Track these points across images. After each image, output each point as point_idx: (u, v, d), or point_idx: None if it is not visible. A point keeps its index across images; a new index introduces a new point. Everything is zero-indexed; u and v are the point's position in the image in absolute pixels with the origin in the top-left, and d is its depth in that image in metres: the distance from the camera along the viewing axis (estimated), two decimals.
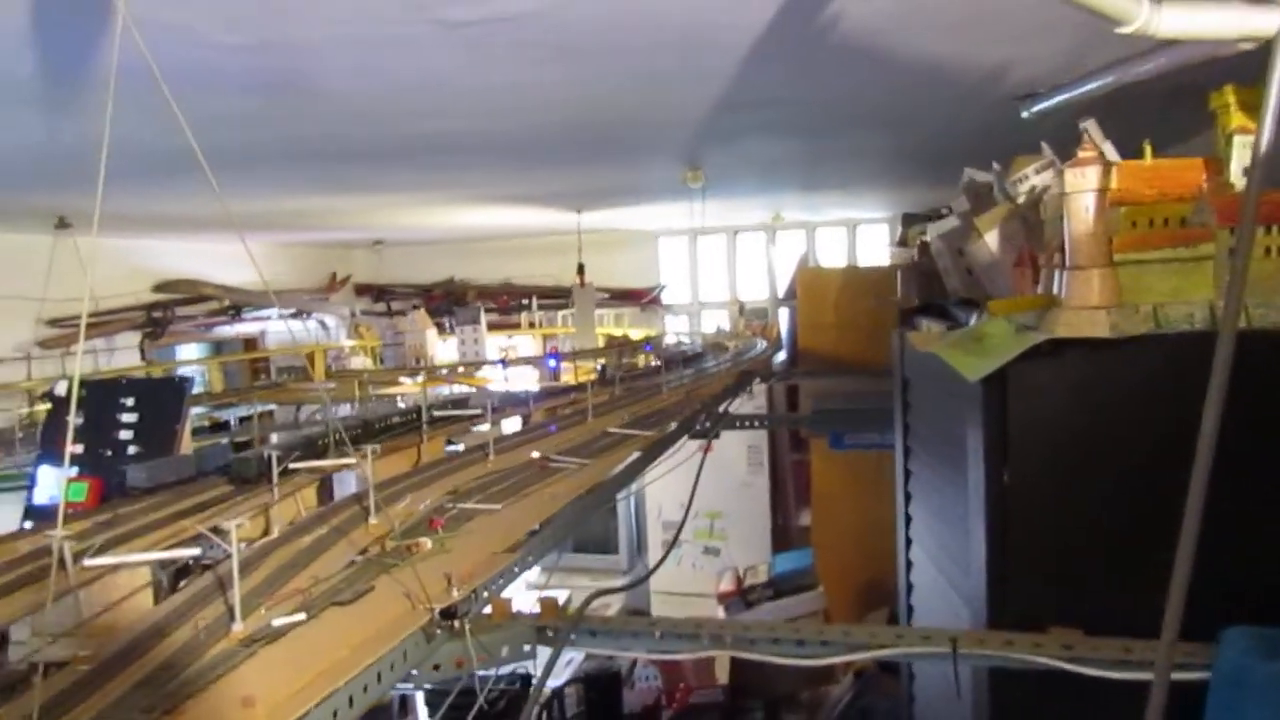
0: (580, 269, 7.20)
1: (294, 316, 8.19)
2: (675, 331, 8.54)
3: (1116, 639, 1.68)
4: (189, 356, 7.71)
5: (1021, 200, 2.73)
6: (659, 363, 5.00)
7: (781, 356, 6.83)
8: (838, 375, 5.91)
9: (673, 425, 3.79)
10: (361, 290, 9.34)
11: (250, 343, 8.03)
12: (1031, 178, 2.77)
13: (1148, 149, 2.06)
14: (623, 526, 8.04)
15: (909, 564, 2.76)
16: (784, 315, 8.22)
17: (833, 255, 8.72)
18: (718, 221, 7.68)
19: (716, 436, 4.47)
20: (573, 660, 5.50)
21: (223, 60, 2.33)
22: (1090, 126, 2.41)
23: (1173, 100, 2.74)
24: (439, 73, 2.57)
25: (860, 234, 8.72)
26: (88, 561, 1.37)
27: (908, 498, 2.78)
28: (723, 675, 5.32)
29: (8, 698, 1.42)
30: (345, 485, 2.96)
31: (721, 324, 8.21)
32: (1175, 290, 1.77)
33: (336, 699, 1.45)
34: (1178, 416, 1.41)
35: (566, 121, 3.50)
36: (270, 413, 6.89)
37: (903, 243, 7.13)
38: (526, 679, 4.32)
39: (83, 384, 3.08)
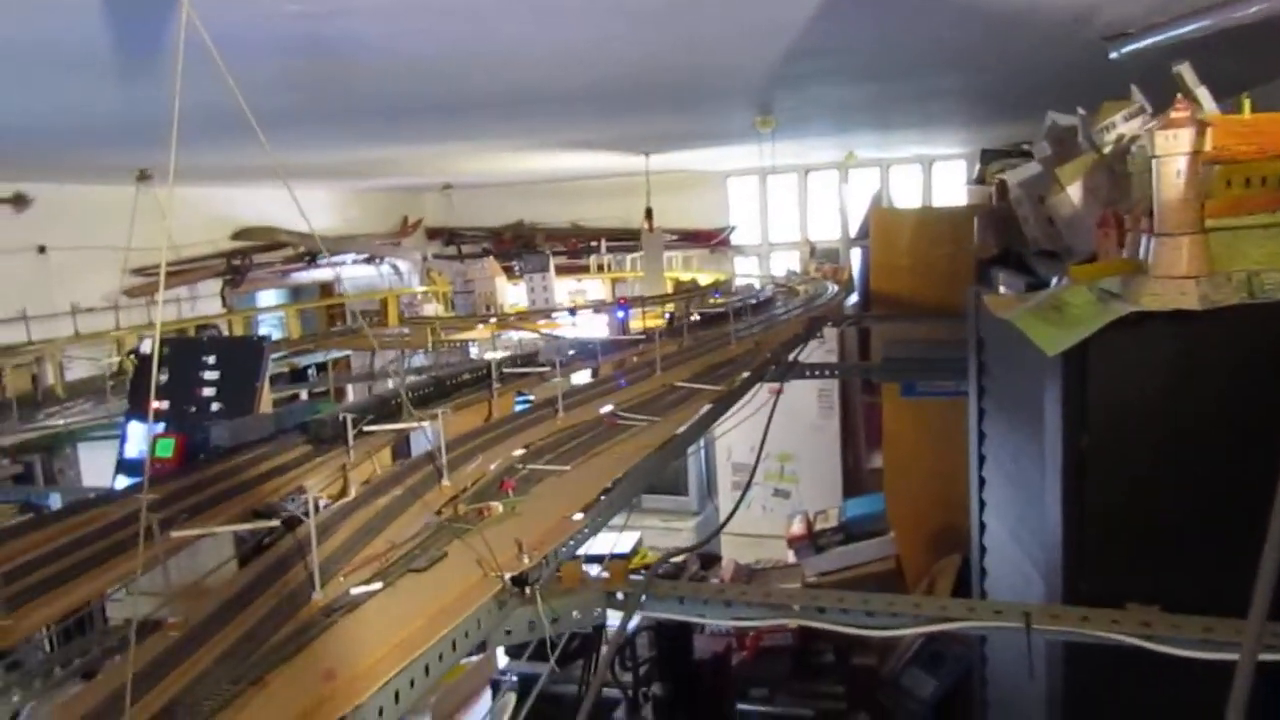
0: (648, 213, 7.13)
1: (367, 262, 8.31)
2: (744, 274, 8.44)
3: (1197, 617, 1.63)
4: (267, 303, 7.89)
5: (1108, 150, 2.61)
6: (728, 308, 4.96)
7: (853, 299, 6.71)
8: (911, 320, 5.79)
9: (742, 377, 3.78)
10: (432, 234, 9.41)
11: (326, 288, 8.19)
12: (1119, 125, 2.64)
13: (1246, 103, 1.94)
14: (692, 468, 8.09)
15: (983, 526, 2.72)
16: (856, 256, 8.07)
17: (907, 194, 8.49)
18: (788, 161, 7.52)
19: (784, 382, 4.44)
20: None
21: (291, 28, 2.33)
22: (1184, 71, 2.28)
23: (1274, 39, 2.57)
24: (509, 35, 2.54)
25: (936, 171, 8.46)
26: (174, 533, 1.42)
27: (981, 459, 2.73)
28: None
29: (101, 665, 1.50)
30: (420, 439, 3.02)
31: (791, 265, 8.09)
32: (1272, 256, 1.68)
33: (413, 669, 1.50)
34: (1270, 389, 1.35)
35: (637, 75, 3.44)
36: (346, 358, 7.04)
37: (980, 180, 6.91)
38: (599, 624, 4.42)
39: (165, 342, 3.18)
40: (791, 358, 4.51)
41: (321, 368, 6.21)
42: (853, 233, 8.11)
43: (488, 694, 5.73)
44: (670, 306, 5.77)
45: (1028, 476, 2.07)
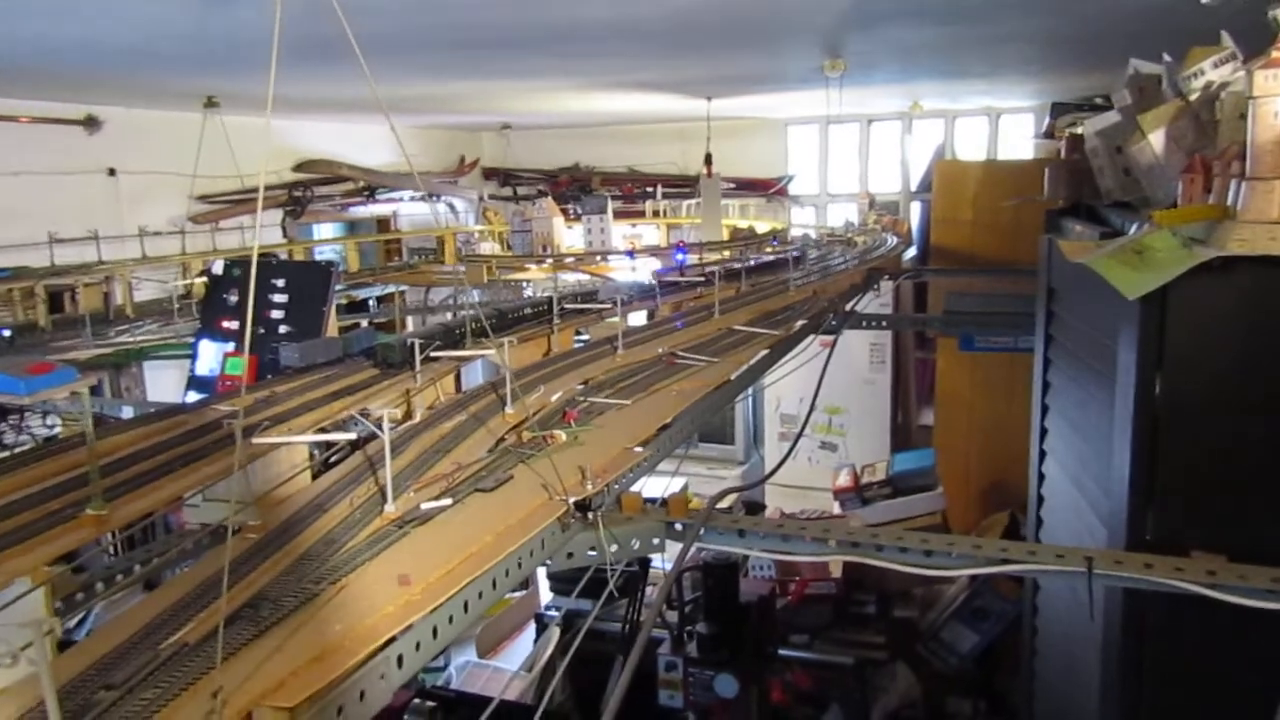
0: (708, 158, 7.07)
1: (425, 199, 8.36)
2: (801, 224, 8.35)
3: (1265, 568, 1.62)
4: (324, 236, 7.98)
5: (1194, 97, 2.53)
6: (786, 256, 4.92)
7: (911, 252, 6.62)
8: (971, 274, 5.71)
9: (799, 324, 3.76)
10: (489, 174, 9.42)
11: (384, 223, 8.26)
12: (1208, 72, 2.55)
13: None
14: (740, 417, 8.10)
15: (1041, 477, 2.71)
16: (916, 209, 7.94)
17: (972, 148, 8.30)
18: (849, 110, 7.38)
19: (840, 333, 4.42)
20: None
21: None
22: None
23: None
24: None
25: (1003, 124, 8.25)
26: (256, 439, 1.46)
27: (1044, 409, 2.70)
28: (837, 569, 5.39)
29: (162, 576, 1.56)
30: (474, 372, 3.07)
31: (850, 216, 7.99)
32: None
33: (482, 582, 1.54)
34: None
35: (706, 7, 3.39)
36: (402, 293, 7.13)
37: (1049, 134, 6.74)
38: (645, 560, 4.47)
39: (236, 264, 3.25)
40: (849, 307, 4.48)
41: (381, 300, 6.30)
42: (914, 185, 7.97)
43: (531, 629, 5.87)
44: (728, 252, 5.74)
45: (1095, 425, 2.05)
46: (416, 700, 4.02)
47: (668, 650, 3.87)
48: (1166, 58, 2.84)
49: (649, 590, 4.79)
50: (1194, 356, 1.72)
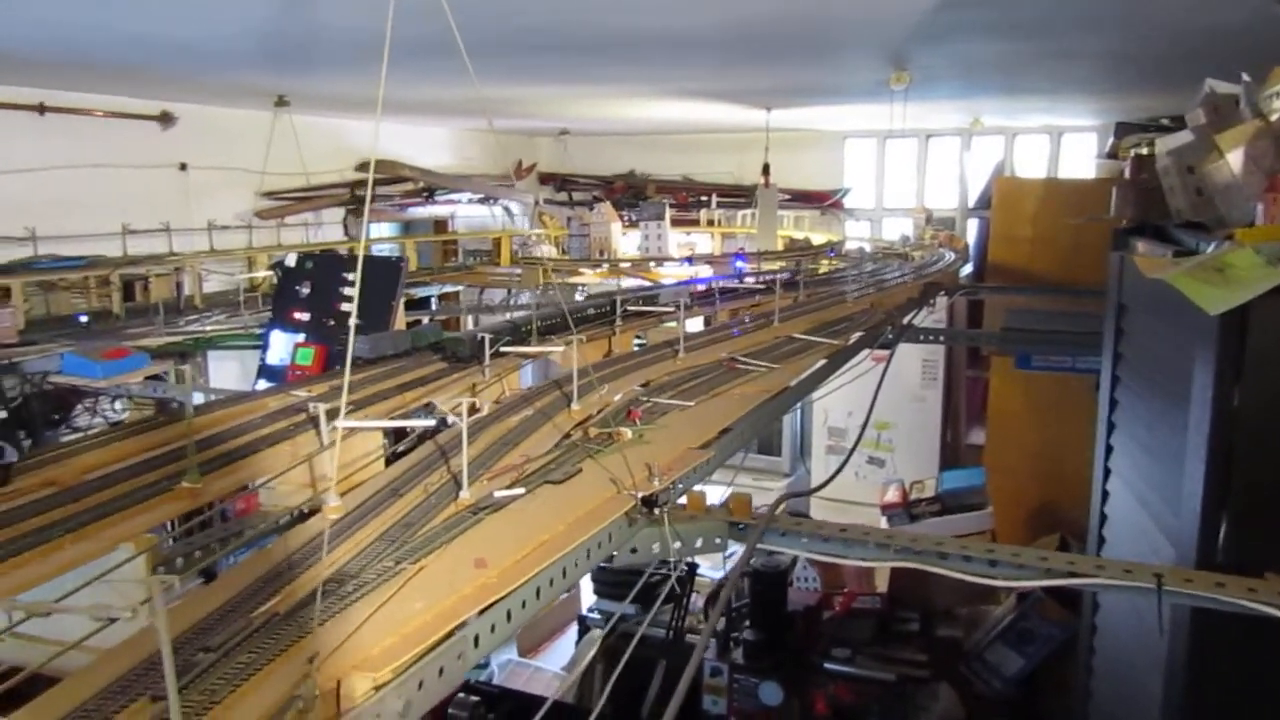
0: (765, 168, 7.08)
1: (481, 202, 8.46)
2: (856, 237, 8.32)
3: None
4: (381, 235, 8.10)
5: (1275, 118, 2.50)
6: (843, 268, 4.93)
7: (968, 269, 6.58)
8: (1030, 292, 5.65)
9: (856, 335, 3.77)
10: (545, 179, 9.51)
11: (440, 225, 8.37)
12: None
13: None
14: (787, 429, 8.08)
15: (1105, 494, 2.68)
16: (973, 226, 7.88)
17: (1031, 165, 8.23)
18: (910, 124, 7.36)
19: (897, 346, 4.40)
20: (733, 553, 5.66)
21: None
22: None
23: None
24: None
25: (1064, 143, 8.16)
26: (339, 423, 1.51)
27: (1111, 427, 2.68)
28: (881, 584, 5.36)
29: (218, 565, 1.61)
30: (544, 366, 3.11)
31: (905, 231, 7.95)
32: None
33: (553, 570, 1.58)
34: None
35: (770, 17, 3.41)
36: (456, 294, 7.22)
37: (1112, 154, 6.66)
38: (692, 566, 4.49)
39: (308, 257, 3.33)
40: (906, 321, 4.47)
41: (441, 298, 6.40)
42: (971, 202, 7.91)
43: (572, 630, 5.91)
44: (784, 263, 5.75)
45: (1165, 443, 2.03)
46: (461, 694, 4.07)
47: (713, 655, 3.89)
48: (1245, 78, 2.80)
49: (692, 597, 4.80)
50: (1273, 374, 1.70)
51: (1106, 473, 2.64)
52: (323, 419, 1.63)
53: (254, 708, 1.08)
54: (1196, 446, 1.80)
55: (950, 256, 5.95)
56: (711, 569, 5.76)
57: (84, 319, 4.26)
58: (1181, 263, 1.99)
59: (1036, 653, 4.85)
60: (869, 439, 7.53)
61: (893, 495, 6.23)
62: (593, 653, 5.28)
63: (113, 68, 4.70)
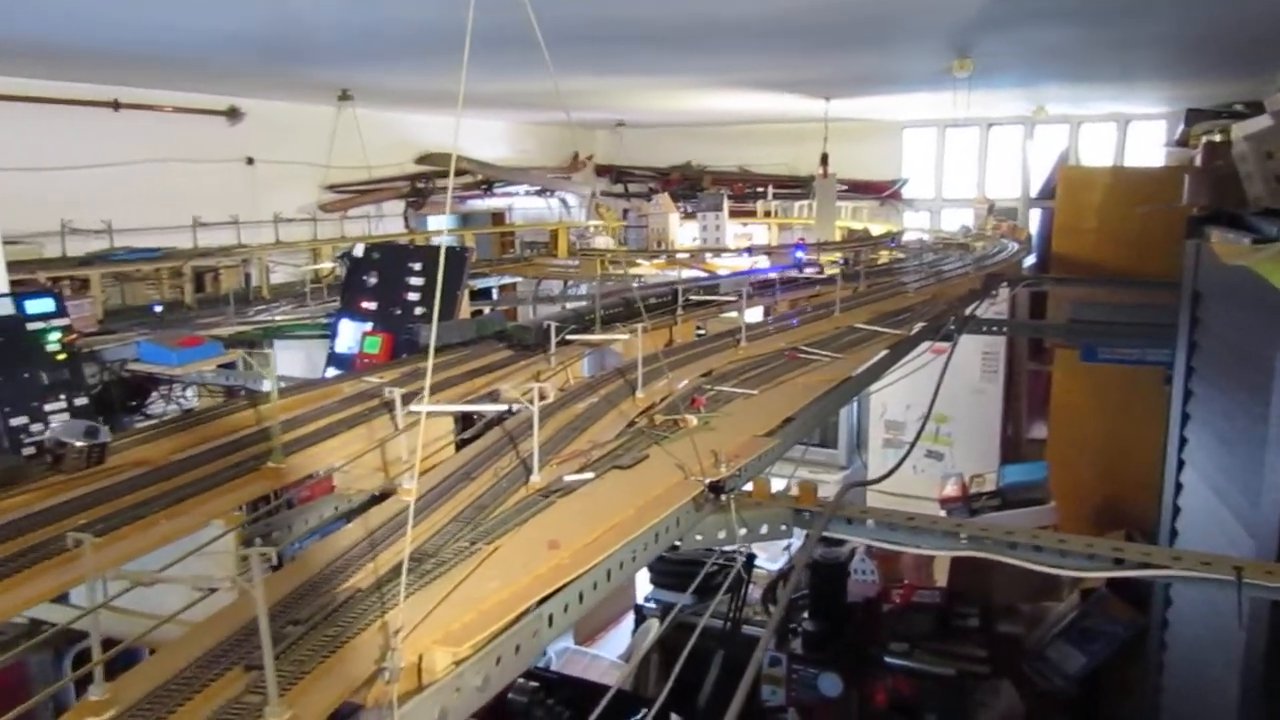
0: (824, 158, 7.03)
1: (538, 194, 8.51)
2: (915, 228, 8.22)
3: None
4: (439, 228, 8.20)
5: None
6: (902, 259, 4.88)
7: (1031, 260, 6.46)
8: (1096, 284, 5.54)
9: (919, 325, 3.73)
10: (601, 171, 9.54)
11: (498, 217, 8.45)
12: None
13: None
14: (843, 422, 8.03)
15: (1178, 487, 2.63)
16: (1035, 216, 7.74)
17: (1096, 154, 8.05)
18: (971, 113, 7.24)
19: (958, 338, 4.35)
20: (790, 545, 5.64)
21: None
22: None
23: None
24: None
25: (1131, 131, 7.97)
26: (423, 407, 1.54)
27: (1185, 419, 2.62)
28: (941, 578, 5.30)
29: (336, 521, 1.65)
30: (605, 355, 3.14)
31: (965, 222, 7.83)
32: None
33: (623, 553, 1.60)
34: None
35: (832, 4, 3.38)
36: (513, 285, 7.29)
37: (1182, 142, 6.49)
38: (751, 557, 4.49)
39: (375, 247, 3.39)
40: (968, 312, 4.41)
41: (502, 288, 6.47)
42: (1034, 192, 7.76)
43: (628, 620, 5.94)
44: (844, 253, 5.71)
45: (1244, 434, 1.99)
46: (521, 679, 4.13)
47: (771, 645, 3.89)
48: None
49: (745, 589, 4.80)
50: None
51: (1180, 465, 2.58)
52: (399, 404, 1.67)
53: (342, 678, 1.12)
54: (1278, 436, 1.76)
55: (1013, 247, 5.85)
56: (768, 560, 5.75)
57: (158, 309, 4.39)
58: (1263, 249, 1.95)
59: (1100, 651, 4.77)
60: (928, 432, 7.44)
61: (952, 489, 6.16)
62: (649, 641, 5.31)
63: (182, 64, 4.82)
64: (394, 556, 1.45)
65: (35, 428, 2.84)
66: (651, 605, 5.53)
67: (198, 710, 1.04)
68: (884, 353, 3.29)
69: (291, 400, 2.01)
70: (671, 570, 4.97)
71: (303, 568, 1.38)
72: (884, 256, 5.86)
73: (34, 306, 2.99)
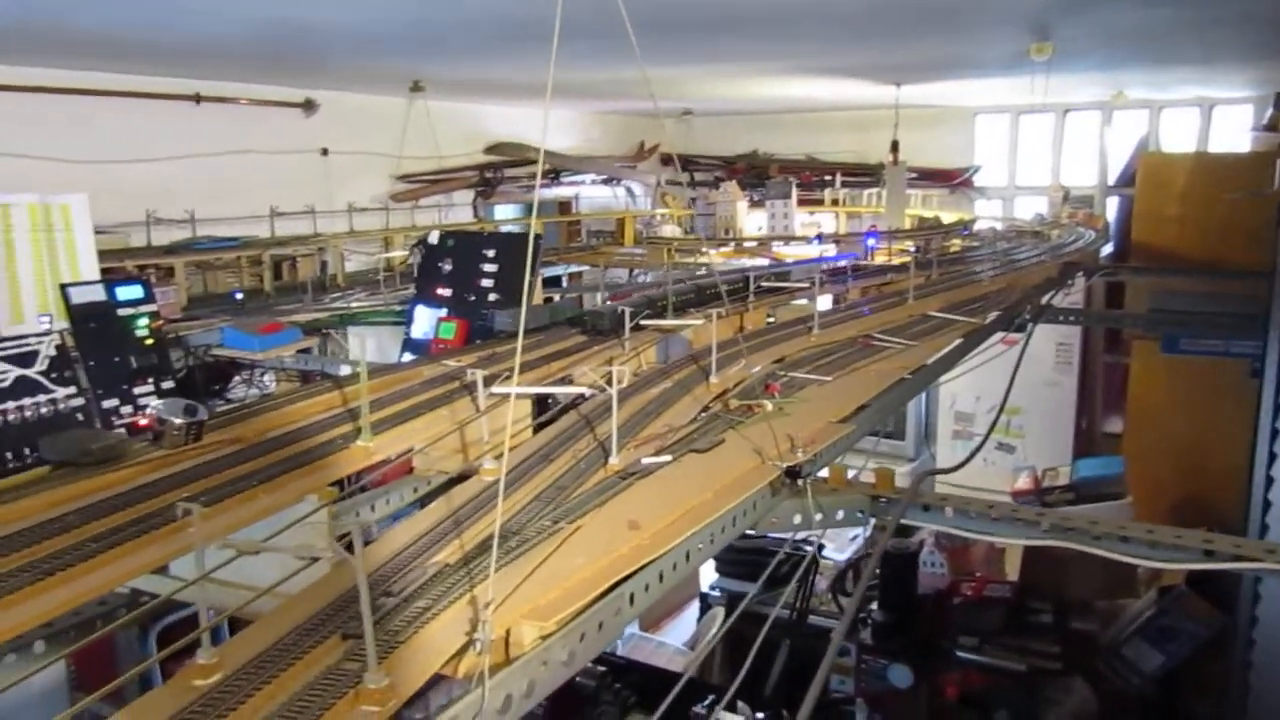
0: (894, 145, 6.93)
1: (604, 183, 8.54)
2: (986, 216, 8.07)
3: None
4: (506, 217, 8.28)
5: None
6: (975, 247, 4.79)
7: (1108, 249, 6.30)
8: (1176, 273, 5.38)
9: (993, 314, 3.67)
10: (666, 160, 9.54)
11: (564, 206, 8.50)
12: None
13: None
14: (911, 414, 7.92)
15: (1269, 481, 2.55)
16: (1113, 204, 7.54)
17: (1178, 139, 7.80)
18: (1047, 99, 7.08)
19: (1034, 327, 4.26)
20: (857, 536, 5.60)
21: None
22: None
23: None
24: None
25: (1216, 116, 7.70)
26: (496, 389, 1.57)
27: (1277, 410, 2.54)
28: (1012, 572, 5.21)
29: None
30: (676, 342, 3.14)
31: (1039, 210, 7.66)
32: None
33: (702, 535, 1.61)
34: None
35: None
36: (579, 274, 7.33)
37: (1270, 126, 6.26)
38: (819, 547, 4.46)
39: (450, 234, 3.44)
40: (1044, 301, 4.33)
41: (570, 276, 6.52)
42: (1111, 179, 7.56)
43: (692, 607, 5.95)
44: (915, 241, 5.63)
45: None
46: (588, 664, 4.16)
47: (841, 635, 3.86)
48: None
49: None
50: None
51: (1271, 458, 2.50)
52: (481, 386, 1.70)
53: (435, 648, 1.15)
54: None
55: (1089, 235, 5.71)
56: (835, 550, 5.72)
57: (239, 296, 4.52)
58: None
59: (1178, 650, 4.64)
60: (999, 425, 7.31)
61: (1024, 482, 6.05)
62: (719, 631, 5.32)
63: (260, 57, 4.94)
64: (478, 534, 1.49)
65: (125, 410, 2.95)
66: (716, 593, 5.53)
67: (299, 675, 1.08)
68: (958, 341, 3.24)
69: (375, 383, 2.05)
70: (737, 559, 4.97)
71: (392, 543, 1.42)
72: (955, 245, 5.76)
73: (124, 293, 3.11)
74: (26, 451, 2.71)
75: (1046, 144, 8.25)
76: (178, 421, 1.63)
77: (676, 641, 5.78)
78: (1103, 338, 7.18)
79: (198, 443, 1.66)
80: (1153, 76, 6.65)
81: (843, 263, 4.12)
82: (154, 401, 1.78)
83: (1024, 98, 6.34)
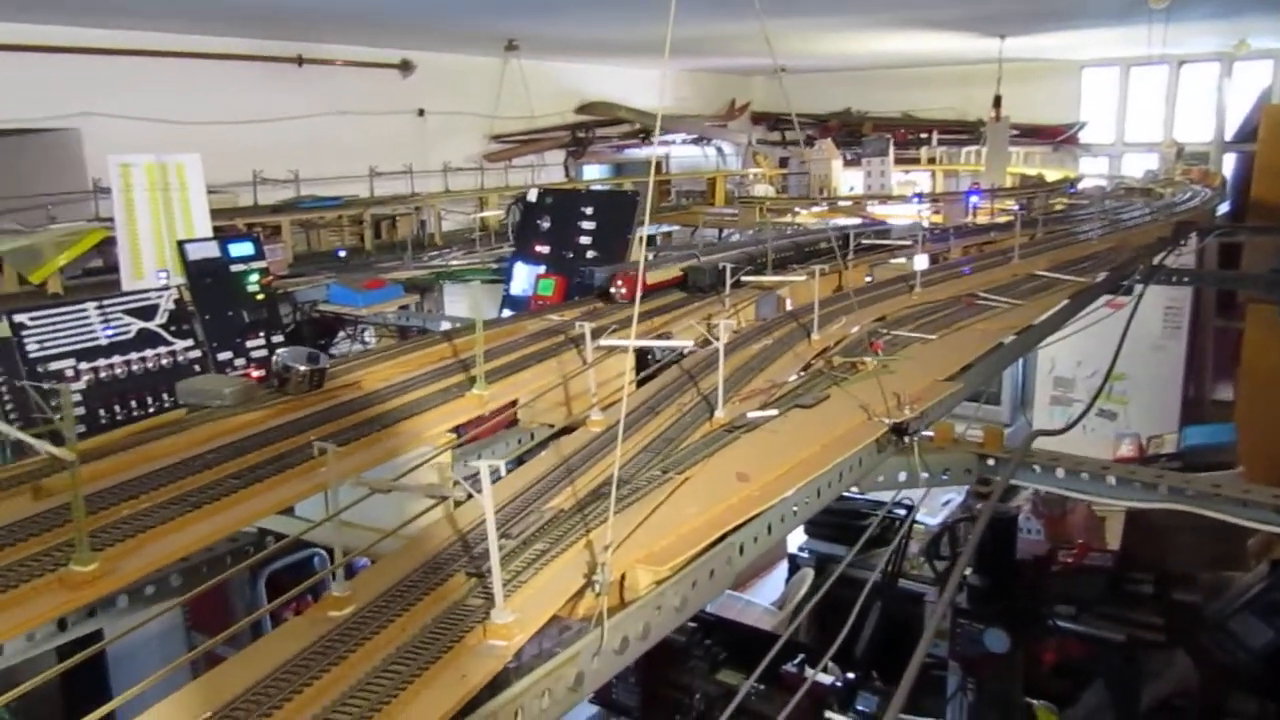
0: (997, 100, 6.71)
1: (695, 142, 8.48)
2: (1092, 174, 7.76)
3: None
4: (592, 177, 8.28)
5: None
6: (1083, 204, 4.63)
7: (1224, 208, 6.01)
8: None
9: (1102, 274, 3.55)
10: (758, 119, 9.40)
11: (655, 166, 8.46)
12: None
13: None
14: (1007, 379, 7.72)
15: None
16: (1230, 161, 7.18)
17: None
18: (1162, 49, 6.75)
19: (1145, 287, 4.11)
20: (950, 501, 5.52)
21: None
22: None
23: None
24: None
25: None
26: (602, 341, 1.58)
27: None
28: (1112, 541, 5.08)
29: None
30: (771, 300, 3.12)
31: (1150, 167, 7.34)
32: None
33: (809, 489, 1.61)
34: None
35: None
36: (669, 234, 7.30)
37: None
38: (909, 509, 4.41)
39: (548, 193, 3.46)
40: (1156, 261, 4.16)
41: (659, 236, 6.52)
42: (1229, 134, 7.19)
43: (781, 568, 5.96)
44: (1017, 199, 5.45)
45: None
46: None
47: (933, 597, 3.82)
48: None
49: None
50: None
51: None
52: (588, 338, 1.72)
53: (555, 589, 1.18)
54: None
55: (1205, 193, 5.46)
56: (928, 515, 5.64)
57: (342, 254, 4.64)
58: None
59: None
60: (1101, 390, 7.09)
61: (1127, 450, 5.88)
62: (803, 591, 5.33)
63: (359, 18, 5.02)
64: (590, 482, 1.51)
65: (238, 362, 3.07)
66: (805, 555, 5.53)
67: (428, 610, 1.12)
68: (1065, 302, 3.15)
69: (487, 333, 2.09)
70: (827, 521, 4.95)
71: (507, 489, 1.46)
72: (1060, 204, 5.56)
73: (237, 250, 3.22)
74: (149, 400, 2.86)
75: (1158, 98, 7.88)
76: (302, 368, 1.70)
77: (764, 601, 5.80)
78: (1214, 301, 6.87)
79: (319, 389, 1.73)
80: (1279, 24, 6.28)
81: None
82: (279, 350, 1.84)
83: (1136, 49, 6.04)
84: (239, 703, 0.93)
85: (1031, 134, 8.09)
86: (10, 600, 1.07)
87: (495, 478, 1.09)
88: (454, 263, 4.48)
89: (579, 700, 1.15)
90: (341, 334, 4.01)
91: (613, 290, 2.56)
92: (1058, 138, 8.03)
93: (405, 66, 6.26)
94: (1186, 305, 6.76)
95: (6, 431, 1.15)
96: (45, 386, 2.25)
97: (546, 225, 3.26)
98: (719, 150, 8.72)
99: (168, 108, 4.97)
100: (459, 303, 5.54)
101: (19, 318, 2.52)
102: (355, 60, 6.05)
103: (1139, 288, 4.12)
